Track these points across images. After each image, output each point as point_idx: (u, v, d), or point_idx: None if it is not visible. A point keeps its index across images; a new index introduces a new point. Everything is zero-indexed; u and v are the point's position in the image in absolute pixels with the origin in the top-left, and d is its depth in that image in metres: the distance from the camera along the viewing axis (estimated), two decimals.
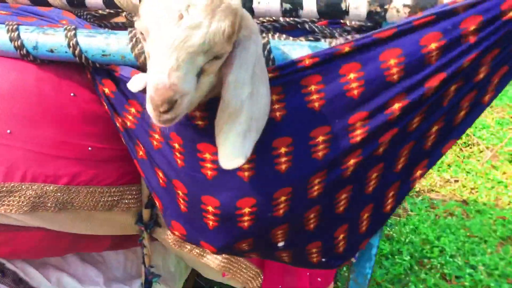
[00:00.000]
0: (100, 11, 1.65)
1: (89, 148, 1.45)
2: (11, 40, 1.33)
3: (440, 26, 1.12)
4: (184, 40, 0.94)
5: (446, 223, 3.40)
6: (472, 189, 3.80)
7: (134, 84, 1.26)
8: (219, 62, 1.04)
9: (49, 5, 1.54)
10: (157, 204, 1.45)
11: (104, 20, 1.65)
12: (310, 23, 1.48)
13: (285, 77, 1.18)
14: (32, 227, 1.56)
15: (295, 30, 1.51)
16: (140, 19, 1.01)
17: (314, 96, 1.18)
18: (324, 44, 1.21)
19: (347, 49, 1.15)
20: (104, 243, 1.80)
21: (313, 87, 1.18)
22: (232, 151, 1.07)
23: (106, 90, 1.36)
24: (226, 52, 1.03)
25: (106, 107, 1.41)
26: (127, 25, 1.59)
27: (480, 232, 3.33)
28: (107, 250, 1.91)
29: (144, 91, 1.22)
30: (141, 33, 1.03)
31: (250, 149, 1.09)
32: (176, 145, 1.27)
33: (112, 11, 1.65)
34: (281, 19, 1.52)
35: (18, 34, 1.33)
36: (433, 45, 1.12)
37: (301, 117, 1.19)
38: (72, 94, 1.40)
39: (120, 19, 1.67)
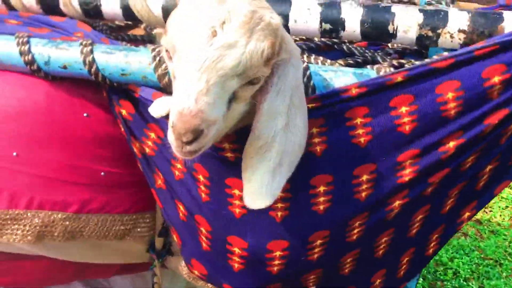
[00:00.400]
0: (117, 22, 1.52)
1: (102, 173, 1.33)
2: (21, 54, 1.21)
3: (505, 57, 1.00)
4: (216, 61, 0.82)
5: (460, 244, 3.30)
6: (485, 208, 3.69)
7: (156, 108, 1.14)
8: (254, 88, 0.92)
9: (63, 15, 1.41)
10: (175, 238, 1.33)
11: (121, 32, 1.52)
12: (348, 44, 1.36)
13: (328, 108, 1.06)
14: (36, 256, 1.43)
15: (332, 51, 1.38)
16: (166, 34, 0.89)
17: (360, 131, 1.06)
18: (371, 72, 1.09)
19: (399, 79, 1.03)
20: (112, 269, 1.68)
21: (359, 120, 1.06)
22: (259, 189, 0.95)
23: (123, 112, 1.24)
24: (263, 76, 0.91)
25: (123, 129, 1.28)
26: (146, 39, 1.47)
27: (495, 254, 3.23)
28: (115, 275, 1.79)
29: (167, 116, 1.10)
30: (167, 51, 0.91)
31: (280, 188, 0.97)
32: (201, 178, 1.14)
33: (129, 22, 1.52)
34: (315, 38, 1.40)
35: (29, 48, 1.21)
36: (496, 79, 1.00)
37: (344, 153, 1.08)
38: (85, 115, 1.28)
39: (139, 31, 1.54)
